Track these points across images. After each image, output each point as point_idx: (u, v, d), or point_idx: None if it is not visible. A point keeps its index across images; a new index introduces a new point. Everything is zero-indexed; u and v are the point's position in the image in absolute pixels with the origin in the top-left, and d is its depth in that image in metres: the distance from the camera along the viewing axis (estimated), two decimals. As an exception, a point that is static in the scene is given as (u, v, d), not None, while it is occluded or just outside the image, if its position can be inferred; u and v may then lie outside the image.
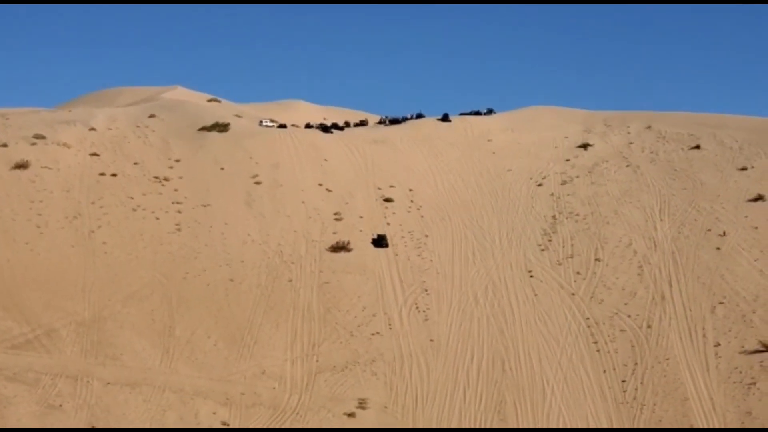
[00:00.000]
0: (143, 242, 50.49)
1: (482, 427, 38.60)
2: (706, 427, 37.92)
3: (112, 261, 48.41)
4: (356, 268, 49.90)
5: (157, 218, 52.69)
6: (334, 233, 52.94)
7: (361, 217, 54.87)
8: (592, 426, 38.66)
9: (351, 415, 38.98)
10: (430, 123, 72.94)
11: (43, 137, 59.12)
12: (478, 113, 76.19)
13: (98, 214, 52.30)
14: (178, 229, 52.00)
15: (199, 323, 44.05)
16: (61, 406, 38.08)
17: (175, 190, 55.93)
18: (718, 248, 50.74)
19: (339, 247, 51.16)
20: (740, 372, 41.15)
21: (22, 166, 55.57)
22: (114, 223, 51.62)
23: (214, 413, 38.92)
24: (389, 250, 51.39)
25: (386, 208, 56.69)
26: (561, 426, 38.72)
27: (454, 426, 38.72)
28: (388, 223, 54.43)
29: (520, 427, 38.56)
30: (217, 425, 38.04)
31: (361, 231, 53.06)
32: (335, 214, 54.84)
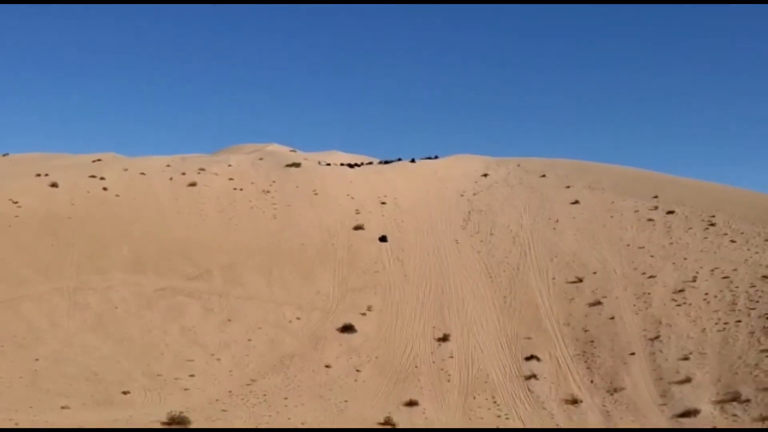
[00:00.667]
0: (257, 224, 50.58)
1: (431, 319, 38.66)
2: (548, 321, 37.97)
3: (241, 234, 48.20)
4: (367, 239, 49.32)
5: (263, 212, 52.61)
6: (356, 220, 52.40)
7: (370, 212, 54.55)
8: (488, 320, 38.62)
9: (363, 314, 38.87)
10: (404, 163, 72.38)
11: (203, 169, 59.09)
12: (429, 158, 75.40)
13: (232, 210, 52.26)
14: (275, 217, 51.91)
15: (286, 268, 44.09)
16: (212, 309, 38.24)
17: (273, 197, 55.68)
18: (554, 228, 50.50)
19: (358, 227, 50.76)
20: (565, 293, 41.00)
21: (192, 184, 55.49)
22: (242, 215, 51.69)
23: (293, 314, 38.86)
24: (381, 227, 51.10)
25: (382, 206, 56.29)
26: (472, 320, 38.67)
27: (417, 319, 38.82)
28: (383, 215, 54.18)
29: (451, 320, 38.61)
30: (295, 320, 38.14)
31: (369, 220, 52.72)
32: (356, 210, 54.59)
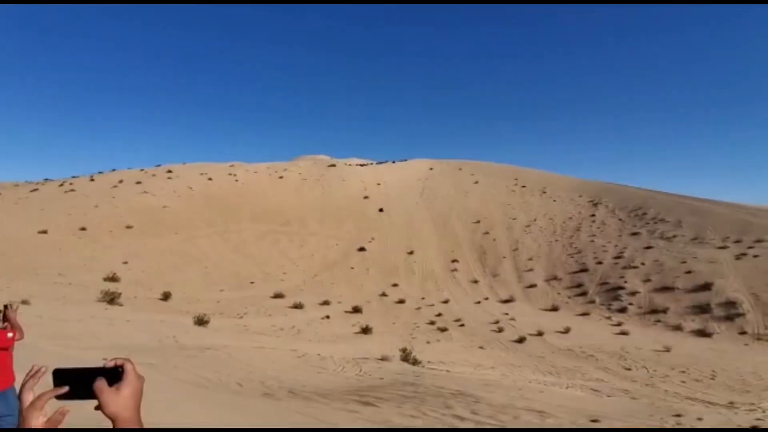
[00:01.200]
0: (314, 196, 49.90)
1: (403, 245, 39.68)
2: (464, 246, 39.75)
3: (306, 202, 47.71)
4: (370, 203, 49.85)
5: (317, 189, 52.78)
6: (364, 193, 53.01)
7: (371, 189, 55.03)
8: (434, 243, 39.81)
9: (370, 241, 39.23)
10: (390, 163, 71.06)
11: (286, 169, 59.70)
12: (404, 160, 73.54)
13: (301, 189, 51.73)
14: (323, 193, 51.29)
15: (329, 219, 43.76)
16: (293, 241, 38.34)
17: (321, 182, 55.39)
18: (466, 195, 51.28)
19: (365, 197, 51.22)
20: (471, 228, 41.89)
21: (280, 177, 56.33)
22: (306, 191, 51.08)
23: (334, 242, 39.22)
24: (378, 197, 52.18)
25: (378, 186, 56.80)
26: (426, 245, 39.81)
27: (398, 242, 39.78)
28: (378, 184, 55.12)
29: (415, 245, 39.86)
30: (334, 245, 38.39)
31: (372, 192, 53.20)
32: (364, 188, 55.14)
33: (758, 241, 28.69)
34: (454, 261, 37.12)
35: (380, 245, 40.37)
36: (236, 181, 54.14)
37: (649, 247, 31.89)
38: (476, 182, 56.72)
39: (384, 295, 29.19)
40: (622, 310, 25.02)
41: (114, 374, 0.84)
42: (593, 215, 40.63)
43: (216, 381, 6.74)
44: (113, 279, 22.52)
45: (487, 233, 41.54)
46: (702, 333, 20.69)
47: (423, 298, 29.21)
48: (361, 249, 39.00)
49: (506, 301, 28.77)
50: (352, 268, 35.24)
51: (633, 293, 26.43)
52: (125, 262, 27.32)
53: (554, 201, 47.48)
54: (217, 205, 45.79)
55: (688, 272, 26.79)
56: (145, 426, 0.84)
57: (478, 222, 43.86)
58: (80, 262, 25.08)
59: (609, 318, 24.08)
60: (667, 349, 17.93)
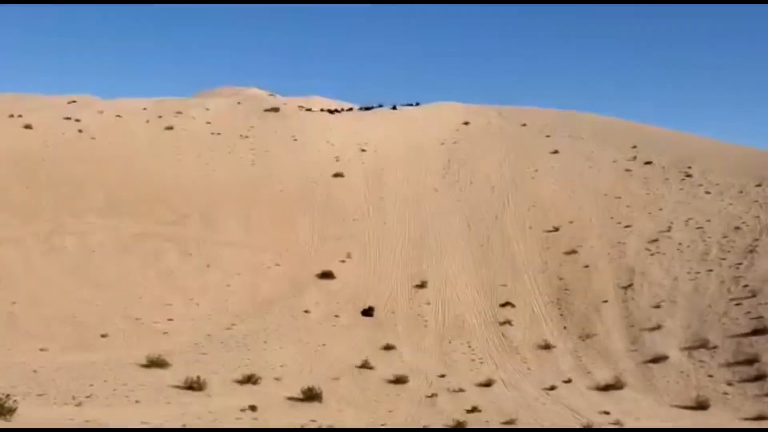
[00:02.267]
0: (235, 170, 50.06)
1: (410, 268, 39.00)
2: (524, 269, 38.88)
3: (218, 180, 47.71)
4: (347, 186, 49.19)
5: (241, 157, 52.15)
6: (336, 167, 52.08)
7: (350, 159, 54.15)
8: (466, 268, 39.16)
9: (342, 261, 39.33)
10: (385, 110, 71.36)
11: (181, 113, 58.21)
12: (410, 104, 74.14)
13: (209, 155, 51.62)
14: (253, 163, 51.58)
15: (264, 215, 43.98)
16: (190, 254, 38.25)
17: (252, 143, 55.18)
18: (533, 178, 50.87)
19: (338, 174, 50.52)
20: (542, 241, 41.61)
21: (169, 128, 54.91)
22: (219, 160, 51.12)
23: (272, 260, 39.13)
24: (364, 177, 50.79)
25: (362, 154, 56.06)
26: (451, 269, 39.22)
27: (395, 268, 39.18)
28: (363, 162, 53.65)
29: (429, 268, 39.05)
30: (273, 266, 38.42)
31: (350, 165, 52.39)
32: (336, 157, 54.19)
33: None
34: (505, 305, 35.86)
35: (362, 268, 39.33)
36: (79, 132, 51.35)
37: None
38: (555, 151, 54.64)
39: (366, 366, 28.40)
40: None
41: None
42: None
43: None
44: None
45: (572, 253, 39.79)
46: None
47: (443, 376, 28.52)
48: (326, 275, 37.90)
49: (607, 388, 27.75)
50: (307, 311, 34.42)
51: None
52: None
53: (707, 193, 44.98)
54: (40, 178, 43.49)
55: None
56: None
57: (556, 230, 42.38)
58: None
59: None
60: None
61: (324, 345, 30.56)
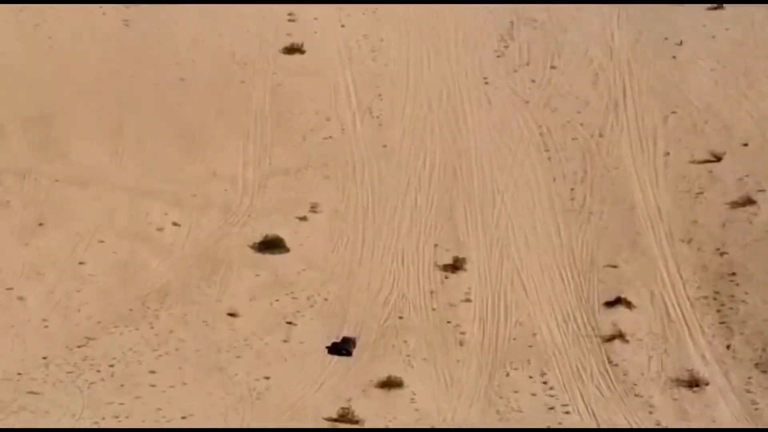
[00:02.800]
0: (93, 42, 49.81)
1: (433, 229, 39.60)
2: (651, 234, 39.09)
3: (63, 61, 48.00)
4: (310, 71, 49.50)
5: (105, 17, 51.57)
6: (288, 35, 51.84)
7: (316, 19, 53.74)
8: (540, 231, 39.66)
9: (303, 218, 39.55)
10: None
11: None
12: None
13: (43, 17, 51.16)
14: (127, 25, 51.15)
15: (150, 123, 44.26)
16: (8, 202, 38.60)
17: None
18: (674, 57, 50.64)
19: (293, 49, 50.45)
20: (688, 182, 42.06)
21: None
22: (65, 26, 50.75)
23: (165, 214, 39.49)
24: (343, 53, 50.72)
25: (341, 9, 55.28)
26: (510, 231, 39.59)
27: (405, 228, 39.67)
28: (343, 25, 53.43)
29: (469, 230, 39.68)
30: (168, 226, 38.93)
31: (315, 33, 52.22)
32: (289, 14, 53.60)
33: None
34: (614, 302, 36.35)
35: (342, 231, 40.25)
36: None
37: None
38: (717, 6, 54.43)
39: (345, 419, 29.46)
40: None
41: None
42: None
43: None
44: None
45: (748, 203, 40.60)
46: None
47: None
48: (270, 245, 38.56)
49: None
50: (234, 315, 35.11)
51: None
52: None
53: None
54: None
55: None
56: None
57: (718, 159, 43.22)
58: None
59: None
60: None
61: (267, 379, 31.24)
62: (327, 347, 33.47)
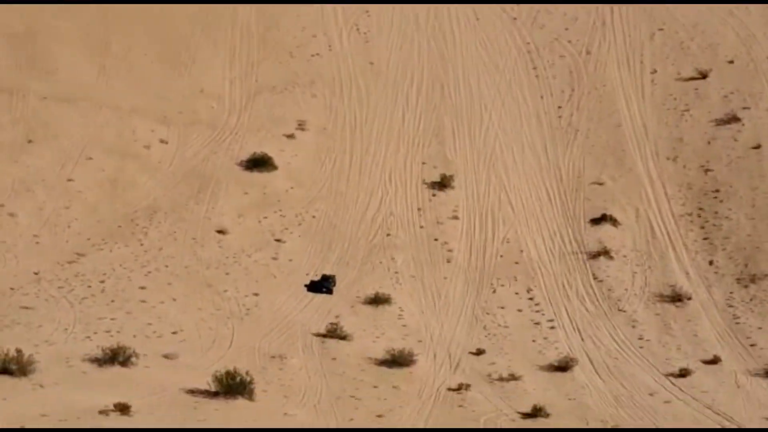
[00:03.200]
0: None
1: (421, 147, 39.62)
2: (637, 151, 39.06)
3: None
4: None
5: None
6: None
7: None
8: (527, 149, 39.68)
9: (290, 136, 39.32)
10: None
11: None
12: None
13: None
14: None
15: (136, 40, 43.51)
16: None
17: None
18: None
19: None
20: (675, 99, 41.99)
21: None
22: None
23: (152, 131, 39.21)
24: None
25: None
26: (497, 149, 39.54)
27: (392, 146, 39.67)
28: None
29: (457, 148, 39.61)
30: (156, 143, 38.67)
31: None
32: None
33: None
34: (600, 219, 36.70)
35: (329, 148, 40.24)
36: None
37: None
38: None
39: (333, 335, 29.97)
40: None
41: None
42: None
43: None
44: None
45: (733, 120, 40.74)
46: None
47: (480, 352, 29.95)
48: (258, 163, 38.57)
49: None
50: (222, 232, 35.15)
51: None
52: None
53: None
54: None
55: None
56: None
57: (703, 76, 43.29)
58: None
59: None
60: None
61: (255, 295, 31.41)
62: (305, 285, 32.82)
